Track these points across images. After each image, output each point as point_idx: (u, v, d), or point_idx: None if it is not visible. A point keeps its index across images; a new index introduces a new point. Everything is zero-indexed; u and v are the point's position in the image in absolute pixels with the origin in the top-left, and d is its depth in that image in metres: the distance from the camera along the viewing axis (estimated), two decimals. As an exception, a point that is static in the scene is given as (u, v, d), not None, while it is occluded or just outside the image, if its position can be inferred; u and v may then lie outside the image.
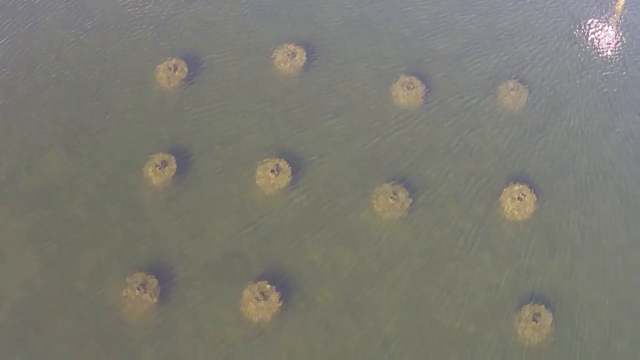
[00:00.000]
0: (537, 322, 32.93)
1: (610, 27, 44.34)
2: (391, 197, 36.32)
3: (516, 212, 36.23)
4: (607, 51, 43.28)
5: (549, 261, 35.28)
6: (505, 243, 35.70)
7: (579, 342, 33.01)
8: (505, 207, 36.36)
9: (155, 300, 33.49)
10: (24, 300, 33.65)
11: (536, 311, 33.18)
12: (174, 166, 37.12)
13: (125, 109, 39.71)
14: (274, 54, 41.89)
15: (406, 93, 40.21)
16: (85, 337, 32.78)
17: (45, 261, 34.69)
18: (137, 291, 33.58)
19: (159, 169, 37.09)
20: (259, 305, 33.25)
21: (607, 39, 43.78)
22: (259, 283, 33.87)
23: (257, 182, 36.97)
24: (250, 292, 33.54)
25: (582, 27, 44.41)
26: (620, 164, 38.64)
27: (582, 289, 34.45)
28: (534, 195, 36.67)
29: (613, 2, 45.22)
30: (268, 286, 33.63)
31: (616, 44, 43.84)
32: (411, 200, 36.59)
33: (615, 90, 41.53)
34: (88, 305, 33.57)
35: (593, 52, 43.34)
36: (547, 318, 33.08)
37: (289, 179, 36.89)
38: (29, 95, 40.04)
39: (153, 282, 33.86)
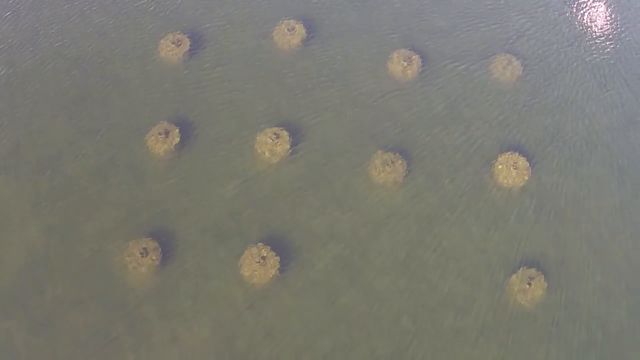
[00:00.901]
0: (530, 285, 32.82)
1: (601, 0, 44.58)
2: (386, 163, 36.14)
3: (508, 179, 36.00)
4: (597, 24, 42.98)
5: (540, 226, 35.09)
6: (498, 208, 35.52)
7: (570, 305, 32.87)
8: (497, 173, 36.19)
9: (156, 263, 33.27)
10: (27, 265, 33.40)
11: (529, 274, 33.02)
12: (176, 135, 36.86)
13: (128, 79, 39.37)
14: (274, 28, 41.58)
15: (401, 64, 39.97)
16: (86, 299, 32.58)
17: (48, 227, 34.41)
18: (139, 254, 33.31)
19: (162, 137, 36.85)
20: (258, 267, 33.07)
21: (598, 12, 43.49)
22: (258, 245, 33.69)
23: (257, 149, 36.77)
24: (250, 255, 33.36)
25: (574, 1, 44.48)
26: (610, 131, 38.43)
27: (574, 253, 34.25)
28: (526, 162, 36.44)
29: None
30: (267, 248, 33.48)
31: (607, 16, 43.58)
32: (406, 166, 36.38)
33: (605, 61, 41.25)
34: (90, 269, 33.36)
35: (584, 24, 43.02)
36: (539, 281, 32.96)
37: (288, 146, 36.70)
38: (32, 67, 39.62)
39: (154, 245, 33.63)
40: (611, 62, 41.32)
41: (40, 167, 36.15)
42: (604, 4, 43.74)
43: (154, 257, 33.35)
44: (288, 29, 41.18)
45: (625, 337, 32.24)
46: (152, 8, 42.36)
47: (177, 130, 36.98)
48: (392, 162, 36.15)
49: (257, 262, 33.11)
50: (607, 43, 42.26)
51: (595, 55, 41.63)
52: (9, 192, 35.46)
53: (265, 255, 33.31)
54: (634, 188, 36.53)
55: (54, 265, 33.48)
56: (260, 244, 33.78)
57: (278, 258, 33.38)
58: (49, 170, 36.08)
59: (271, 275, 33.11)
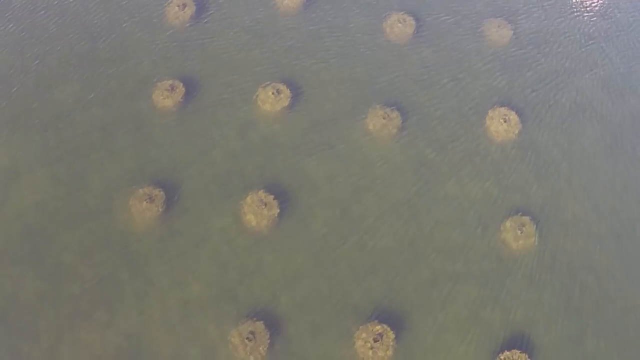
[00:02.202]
0: (521, 231, 32.64)
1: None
2: (384, 118, 35.95)
3: (502, 134, 35.86)
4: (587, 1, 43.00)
5: (533, 179, 34.92)
6: (492, 162, 35.35)
7: (561, 253, 32.69)
8: (492, 128, 36.03)
9: (161, 209, 33.13)
10: (37, 217, 33.32)
11: (520, 222, 32.82)
12: (181, 90, 36.76)
13: (135, 39, 39.35)
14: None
15: (397, 29, 39.82)
16: (93, 247, 32.49)
17: (56, 181, 34.35)
18: (144, 202, 33.18)
19: (167, 92, 36.70)
20: (258, 212, 32.89)
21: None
22: (259, 192, 33.61)
23: (259, 103, 36.66)
24: (251, 201, 33.20)
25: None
26: (601, 94, 38.24)
27: (565, 205, 34.11)
28: (517, 117, 36.30)
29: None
30: (268, 195, 33.28)
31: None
32: (402, 122, 36.24)
33: (597, 31, 41.05)
34: (97, 218, 33.25)
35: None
36: (531, 229, 32.79)
37: (288, 101, 36.57)
38: (44, 32, 39.64)
39: (159, 194, 33.53)
40: (603, 32, 41.08)
41: (50, 124, 36.05)
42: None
43: (158, 204, 33.19)
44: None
45: (613, 282, 32.01)
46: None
47: (182, 86, 36.87)
48: (388, 115, 36.01)
49: (257, 207, 32.90)
50: (600, 13, 41.97)
51: (588, 26, 41.36)
52: (18, 147, 35.33)
53: (265, 200, 33.17)
54: (622, 145, 36.32)
55: (62, 215, 33.36)
56: (260, 190, 33.68)
57: (277, 202, 33.22)
58: (58, 127, 35.99)
59: (271, 220, 32.92)
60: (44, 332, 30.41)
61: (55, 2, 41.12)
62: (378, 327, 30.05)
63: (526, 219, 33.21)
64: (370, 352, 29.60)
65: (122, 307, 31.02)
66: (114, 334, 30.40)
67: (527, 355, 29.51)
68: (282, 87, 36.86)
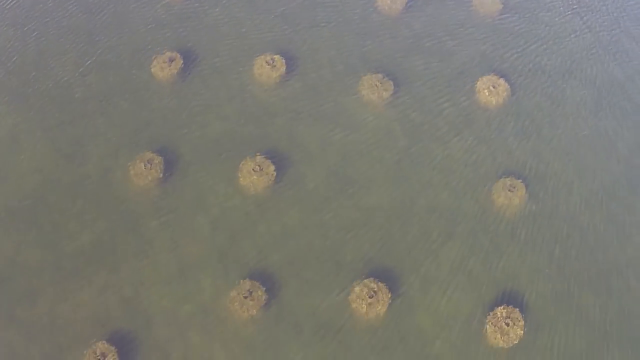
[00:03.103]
0: (510, 191, 32.51)
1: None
2: (375, 85, 35.79)
3: (489, 99, 35.74)
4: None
5: (520, 142, 34.83)
6: (481, 127, 35.24)
7: (547, 212, 32.63)
8: (480, 94, 35.93)
9: (159, 175, 32.89)
10: (37, 183, 33.10)
11: (510, 184, 32.69)
12: (179, 63, 36.48)
13: (133, 12, 39.15)
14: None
15: (388, 1, 39.87)
16: (92, 212, 32.30)
17: (57, 149, 34.14)
18: (144, 167, 32.92)
19: (166, 64, 36.42)
20: (255, 176, 32.68)
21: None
22: (255, 156, 33.45)
23: (254, 72, 36.45)
24: (247, 164, 32.99)
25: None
26: (590, 61, 38.24)
27: (551, 166, 34.01)
28: (506, 84, 36.19)
29: None
30: (263, 158, 33.12)
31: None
32: (393, 88, 36.13)
33: (578, 2, 41.09)
34: (97, 185, 33.07)
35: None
36: (519, 189, 32.67)
37: (283, 70, 36.38)
38: (42, 5, 39.40)
39: (158, 160, 33.26)
40: (582, 3, 41.15)
41: (51, 96, 35.78)
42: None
43: (156, 169, 32.94)
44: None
45: (600, 240, 31.96)
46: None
47: (180, 57, 36.59)
48: (379, 82, 35.84)
49: (254, 172, 32.69)
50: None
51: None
52: (20, 118, 35.08)
53: (260, 163, 32.95)
54: (609, 110, 36.27)
55: (62, 181, 33.15)
56: (257, 155, 33.52)
57: (272, 165, 33.06)
58: (59, 99, 35.71)
59: (267, 184, 32.73)
60: (43, 294, 30.21)
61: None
62: (373, 284, 29.93)
63: (514, 179, 33.08)
64: (365, 307, 29.47)
65: (120, 268, 30.82)
66: (112, 293, 30.21)
67: (519, 310, 29.54)
68: (276, 56, 36.62)
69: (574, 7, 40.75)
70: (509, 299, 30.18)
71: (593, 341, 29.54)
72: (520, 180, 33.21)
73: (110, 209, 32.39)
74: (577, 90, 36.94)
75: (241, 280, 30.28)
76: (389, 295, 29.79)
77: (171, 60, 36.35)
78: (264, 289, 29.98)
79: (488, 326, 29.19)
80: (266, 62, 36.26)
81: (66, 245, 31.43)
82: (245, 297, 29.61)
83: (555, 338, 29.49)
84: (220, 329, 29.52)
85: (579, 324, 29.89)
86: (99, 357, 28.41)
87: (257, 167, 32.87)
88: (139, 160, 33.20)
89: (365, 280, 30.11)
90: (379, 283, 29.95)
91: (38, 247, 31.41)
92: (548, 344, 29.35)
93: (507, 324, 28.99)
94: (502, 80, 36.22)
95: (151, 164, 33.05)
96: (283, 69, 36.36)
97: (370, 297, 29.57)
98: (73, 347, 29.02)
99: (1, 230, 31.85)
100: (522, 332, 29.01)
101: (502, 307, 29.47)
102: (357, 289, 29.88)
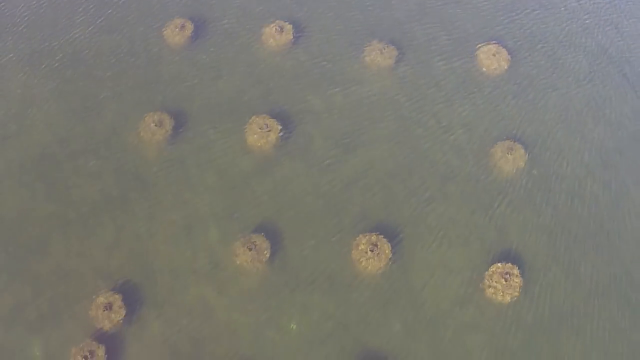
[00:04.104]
0: (510, 155, 32.21)
1: None
2: (380, 52, 35.60)
3: (492, 66, 35.55)
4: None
5: (520, 107, 34.67)
6: (481, 91, 35.08)
7: (548, 177, 32.41)
8: (482, 62, 35.72)
9: (169, 133, 32.76)
10: (50, 143, 33.01)
11: (509, 146, 32.43)
12: (190, 29, 36.35)
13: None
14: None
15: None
16: (103, 171, 32.21)
17: (70, 111, 34.10)
18: (153, 125, 32.78)
19: (177, 29, 36.29)
20: (262, 135, 32.52)
21: None
22: (262, 116, 33.24)
23: (264, 39, 36.34)
24: (255, 124, 32.86)
25: None
26: (587, 31, 38.01)
27: (552, 132, 33.81)
28: (507, 53, 35.95)
29: None
30: (271, 119, 32.96)
31: None
32: (398, 55, 35.87)
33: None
34: (107, 142, 33.04)
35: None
36: (520, 153, 32.41)
37: (291, 37, 36.23)
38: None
39: (167, 118, 33.10)
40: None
41: (65, 61, 35.75)
42: None
43: (167, 128, 32.80)
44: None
45: (600, 205, 31.75)
46: None
47: (191, 24, 36.49)
48: (384, 50, 35.66)
49: (260, 130, 32.52)
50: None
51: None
52: (33, 80, 35.09)
53: (268, 123, 32.76)
54: (605, 80, 36.05)
55: (74, 140, 33.09)
56: (264, 115, 33.36)
57: (279, 126, 32.91)
58: (72, 64, 35.65)
59: (273, 142, 32.60)
60: (52, 247, 30.17)
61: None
62: (374, 238, 29.67)
63: (512, 142, 32.86)
64: (366, 261, 29.30)
65: (129, 225, 30.72)
66: (119, 246, 30.16)
67: (517, 268, 29.31)
68: (285, 24, 36.48)
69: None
70: (507, 255, 29.98)
71: (586, 298, 29.42)
72: (518, 143, 32.93)
73: (120, 165, 32.28)
74: (579, 61, 36.72)
75: (246, 234, 30.11)
76: (390, 249, 29.56)
77: (182, 25, 36.27)
78: (268, 242, 29.78)
79: (486, 281, 29.00)
80: (275, 28, 36.12)
81: (76, 200, 31.36)
82: (250, 249, 29.51)
83: (551, 295, 29.34)
84: (225, 280, 29.38)
85: (573, 282, 29.69)
86: (105, 306, 28.43)
87: (263, 125, 32.69)
88: (149, 119, 33.07)
89: (366, 234, 29.92)
90: (380, 237, 29.74)
91: (48, 201, 31.37)
92: (543, 300, 29.15)
93: (505, 279, 28.82)
94: (502, 48, 36.03)
95: (161, 122, 32.92)
96: (291, 35, 36.22)
97: (371, 251, 29.40)
98: (81, 297, 28.94)
99: (13, 186, 31.82)
100: (519, 287, 28.80)
101: (500, 263, 29.25)
102: (358, 242, 29.69)
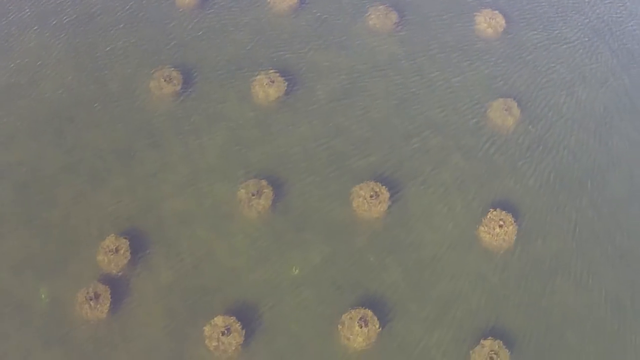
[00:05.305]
0: (506, 111, 32.12)
1: None
2: (383, 15, 35.59)
3: (489, 31, 35.50)
4: None
5: (514, 69, 34.57)
6: (479, 55, 35.00)
7: (541, 132, 32.30)
8: (479, 26, 35.73)
9: (178, 89, 32.74)
10: (62, 99, 33.08)
11: (505, 104, 32.40)
12: (199, -5, 36.28)
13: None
14: None
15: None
16: (113, 124, 32.17)
17: (81, 69, 34.09)
18: (163, 80, 32.71)
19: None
20: (267, 89, 32.50)
21: None
22: (268, 71, 33.29)
23: (270, 2, 36.41)
24: (261, 79, 32.84)
25: None
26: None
27: (546, 92, 33.70)
28: (504, 18, 35.93)
29: None
30: (276, 75, 33.03)
31: None
32: (399, 19, 35.88)
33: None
34: (117, 98, 33.01)
35: None
36: (515, 110, 32.35)
37: (297, 1, 36.29)
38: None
39: (177, 74, 33.08)
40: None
41: (77, 24, 35.77)
42: None
43: (176, 84, 32.72)
44: None
45: (591, 161, 31.64)
46: None
47: (200, -9, 36.37)
48: (386, 14, 35.60)
49: (266, 85, 32.44)
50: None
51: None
52: (45, 43, 35.17)
53: (273, 79, 32.69)
54: (600, 45, 35.92)
55: (86, 97, 33.09)
56: (271, 73, 33.30)
57: (285, 82, 32.81)
58: (84, 27, 35.66)
59: (278, 97, 32.53)
60: (62, 198, 30.07)
61: None
62: (374, 185, 29.54)
63: (509, 101, 32.75)
64: (367, 207, 29.15)
65: (138, 175, 30.63)
66: (127, 195, 30.09)
67: (513, 218, 29.16)
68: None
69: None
70: (503, 203, 29.95)
71: (581, 243, 29.33)
72: (514, 101, 32.86)
73: (129, 119, 32.19)
74: (572, 25, 36.63)
75: (249, 180, 30.00)
76: (388, 196, 29.42)
77: (192, -11, 36.42)
78: (272, 189, 29.64)
79: (482, 227, 28.83)
80: (280, -10, 36.18)
81: (85, 152, 31.29)
82: (253, 195, 29.40)
83: (546, 242, 29.22)
84: (228, 226, 29.21)
85: (567, 229, 29.58)
86: (112, 250, 28.35)
87: (269, 80, 32.58)
88: (158, 74, 33.03)
89: (366, 182, 29.82)
90: (379, 184, 29.59)
91: (58, 153, 31.37)
92: (537, 246, 29.07)
93: (500, 226, 28.62)
94: (499, 13, 36.00)
95: (170, 78, 32.83)
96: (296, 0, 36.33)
97: (371, 197, 29.25)
98: (88, 243, 28.80)
99: (24, 139, 31.77)
100: (513, 234, 28.72)
101: (495, 210, 29.22)
102: (358, 190, 29.55)
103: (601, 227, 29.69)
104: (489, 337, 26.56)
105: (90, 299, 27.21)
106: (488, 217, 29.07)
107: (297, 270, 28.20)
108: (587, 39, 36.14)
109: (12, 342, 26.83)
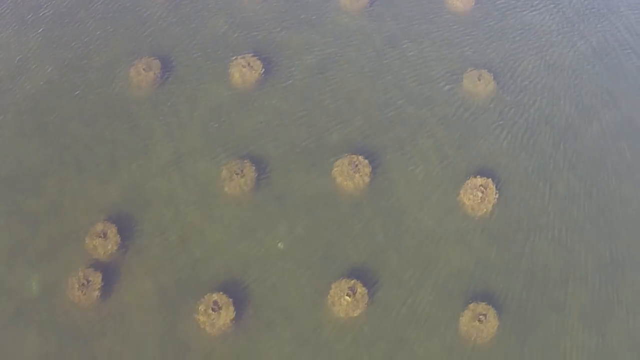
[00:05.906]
0: (480, 81, 32.33)
1: None
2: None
3: (459, 6, 35.58)
4: None
5: (489, 41, 34.70)
6: (450, 29, 35.10)
7: (517, 102, 32.45)
8: (450, 2, 35.80)
9: (157, 76, 32.71)
10: (44, 94, 32.90)
11: (479, 74, 32.55)
12: (172, -18, 36.14)
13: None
14: None
15: None
16: (96, 115, 32.07)
17: (61, 62, 33.94)
18: (142, 70, 32.68)
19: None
20: (245, 73, 32.50)
21: None
22: (244, 52, 33.40)
23: (242, -12, 36.19)
24: (238, 63, 32.87)
25: None
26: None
27: (521, 63, 33.85)
28: (474, -8, 35.72)
29: None
30: (253, 58, 33.01)
31: None
32: (371, -2, 35.84)
33: None
34: (99, 90, 32.84)
35: None
36: (490, 80, 32.42)
37: (268, -15, 36.01)
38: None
39: (154, 61, 33.10)
40: None
41: (53, 16, 35.82)
42: None
43: (155, 72, 32.73)
44: None
45: (563, 121, 31.90)
46: None
47: (173, -22, 36.29)
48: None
49: (243, 68, 32.48)
50: None
51: None
52: (25, 39, 34.98)
53: (250, 62, 32.73)
54: (566, 10, 36.14)
55: (67, 90, 33.03)
56: (246, 54, 33.38)
57: (260, 62, 32.85)
58: (61, 21, 35.58)
59: (256, 79, 32.58)
60: (47, 189, 30.06)
61: None
62: (355, 158, 29.72)
63: (483, 71, 32.86)
64: (348, 180, 29.32)
65: (122, 160, 30.64)
66: (112, 183, 30.06)
67: (492, 181, 29.36)
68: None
69: None
70: (483, 169, 30.22)
71: (558, 202, 29.62)
72: (485, 68, 33.11)
73: (111, 109, 32.13)
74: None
75: (231, 158, 30.16)
76: (370, 169, 29.59)
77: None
78: (254, 168, 29.74)
79: (463, 193, 29.06)
80: (252, -27, 36.13)
81: (71, 145, 31.23)
82: (237, 174, 29.62)
83: (523, 202, 29.55)
84: (214, 207, 29.32)
85: (544, 190, 29.90)
86: (100, 235, 28.44)
87: (245, 61, 32.69)
88: (137, 63, 33.00)
89: (346, 156, 30.02)
90: (360, 157, 29.73)
91: (42, 144, 31.33)
92: (519, 211, 29.29)
93: (479, 189, 28.91)
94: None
95: (149, 66, 32.80)
96: (268, -17, 36.07)
97: (351, 168, 29.42)
98: (76, 230, 28.81)
99: (9, 133, 31.67)
100: (494, 199, 28.92)
101: (476, 177, 29.41)
102: (339, 164, 29.72)
103: (577, 184, 29.93)
104: (474, 301, 26.86)
105: (82, 284, 27.24)
106: (466, 181, 29.23)
107: (281, 245, 28.37)
108: (553, 5, 36.32)
109: (6, 332, 26.99)
